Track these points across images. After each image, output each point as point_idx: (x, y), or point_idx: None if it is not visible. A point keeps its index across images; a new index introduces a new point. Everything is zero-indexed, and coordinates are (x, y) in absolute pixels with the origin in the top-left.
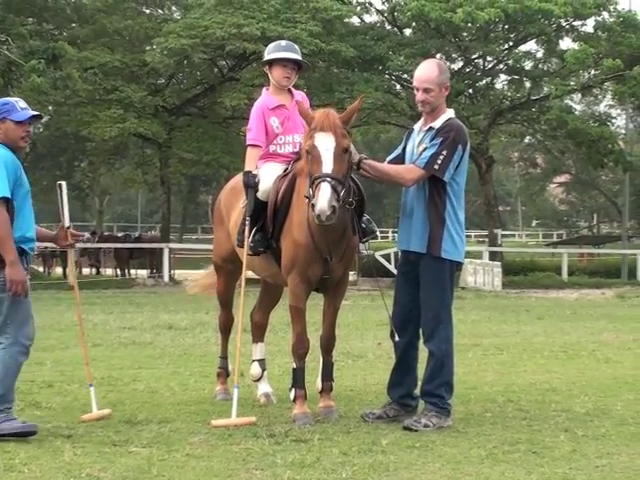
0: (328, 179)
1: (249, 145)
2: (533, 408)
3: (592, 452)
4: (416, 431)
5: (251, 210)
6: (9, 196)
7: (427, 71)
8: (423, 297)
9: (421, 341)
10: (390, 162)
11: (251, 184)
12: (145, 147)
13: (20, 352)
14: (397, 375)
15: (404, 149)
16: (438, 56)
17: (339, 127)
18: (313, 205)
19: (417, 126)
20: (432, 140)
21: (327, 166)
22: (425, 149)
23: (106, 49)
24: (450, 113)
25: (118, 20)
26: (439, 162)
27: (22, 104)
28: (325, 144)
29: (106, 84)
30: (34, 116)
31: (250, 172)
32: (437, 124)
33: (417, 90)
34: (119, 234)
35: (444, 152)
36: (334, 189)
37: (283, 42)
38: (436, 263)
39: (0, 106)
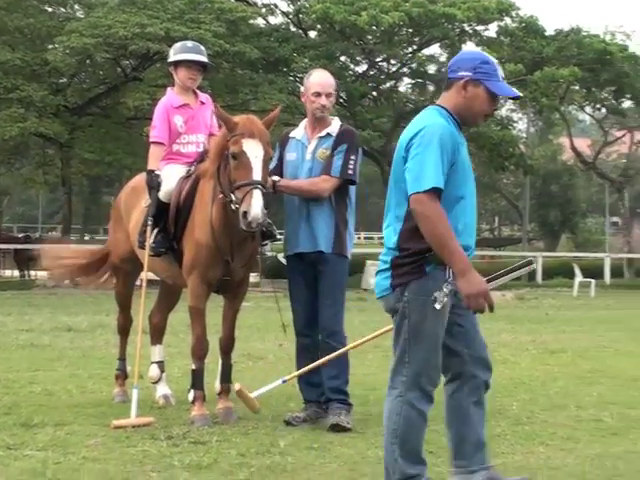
0: (259, 186)
1: (152, 142)
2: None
3: (494, 450)
4: (350, 430)
5: (153, 211)
6: (442, 186)
7: (327, 77)
8: (326, 295)
9: None
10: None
11: (154, 185)
12: (46, 147)
13: (417, 398)
14: (312, 376)
15: (281, 158)
16: (343, 58)
17: (265, 135)
18: (245, 212)
19: (298, 134)
20: (336, 146)
21: (257, 173)
22: (332, 156)
23: (7, 47)
24: (338, 120)
25: (19, 18)
26: (351, 167)
27: (502, 72)
28: (254, 151)
29: (6, 83)
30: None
31: (153, 172)
32: (333, 130)
33: (318, 95)
34: (19, 235)
35: (352, 157)
36: (264, 196)
37: (189, 43)
38: (341, 262)
39: (479, 63)
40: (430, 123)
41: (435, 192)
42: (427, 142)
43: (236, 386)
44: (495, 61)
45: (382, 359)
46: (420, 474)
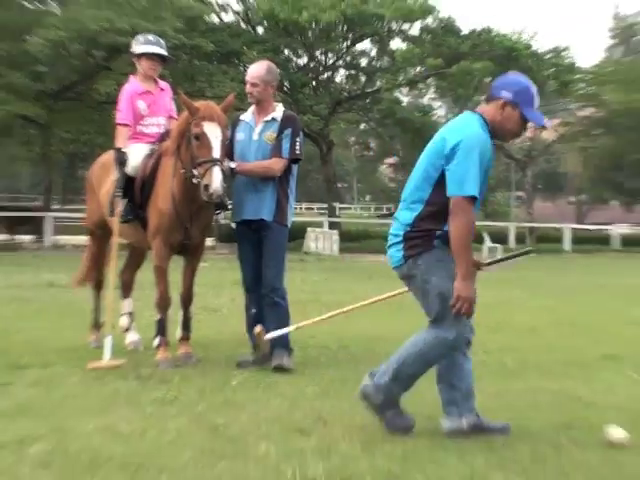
0: (219, 163)
1: (118, 124)
2: (360, 352)
3: None
4: (290, 369)
5: (121, 184)
6: (477, 195)
7: (256, 69)
8: (269, 257)
9: None
10: None
11: (122, 161)
12: (29, 128)
13: (447, 345)
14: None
15: (232, 138)
16: (286, 52)
17: (223, 118)
18: (206, 185)
19: (247, 118)
20: (281, 130)
21: (217, 152)
22: (279, 139)
23: None
24: (281, 106)
25: (2, 13)
26: (297, 147)
27: (538, 101)
28: (214, 133)
29: None
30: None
31: (120, 149)
32: (277, 115)
33: (247, 83)
34: (7, 204)
35: (297, 139)
36: (222, 172)
37: (151, 37)
38: (281, 229)
39: (520, 88)
40: (474, 132)
41: (473, 199)
42: (470, 151)
43: (257, 328)
44: (535, 90)
45: (320, 311)
46: (398, 396)
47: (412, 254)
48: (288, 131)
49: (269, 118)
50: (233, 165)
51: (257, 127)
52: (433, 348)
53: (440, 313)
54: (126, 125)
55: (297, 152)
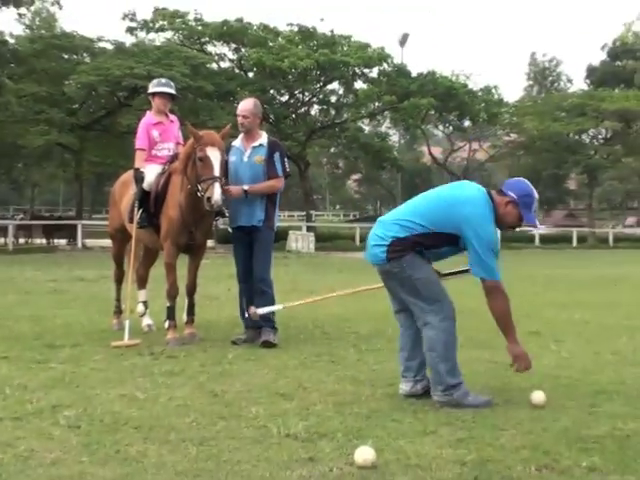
0: (218, 180)
1: (137, 149)
2: (333, 331)
3: (371, 360)
4: (275, 344)
5: (139, 196)
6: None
7: (245, 104)
8: (258, 254)
9: None
10: None
11: (139, 179)
12: (64, 153)
13: (450, 325)
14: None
15: (226, 160)
16: (272, 91)
17: (222, 144)
18: (209, 197)
19: (238, 144)
20: (271, 154)
21: (217, 171)
22: (271, 162)
23: (35, 82)
24: (265, 134)
25: (45, 62)
26: (286, 166)
27: (536, 205)
28: (215, 156)
29: (36, 108)
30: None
31: (138, 169)
32: (264, 141)
33: (238, 116)
34: (46, 214)
35: (285, 159)
36: (221, 187)
37: (163, 80)
38: (269, 232)
39: (524, 194)
40: (490, 220)
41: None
42: (489, 243)
43: (251, 309)
44: (536, 197)
45: (298, 298)
46: (460, 382)
47: (395, 257)
48: (277, 155)
49: (257, 144)
50: (246, 187)
51: (247, 151)
52: (448, 329)
53: (431, 297)
54: (143, 150)
55: (287, 170)
